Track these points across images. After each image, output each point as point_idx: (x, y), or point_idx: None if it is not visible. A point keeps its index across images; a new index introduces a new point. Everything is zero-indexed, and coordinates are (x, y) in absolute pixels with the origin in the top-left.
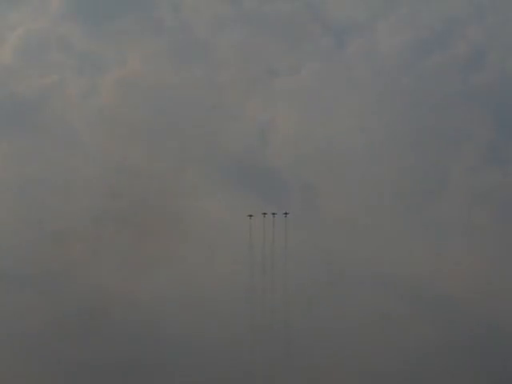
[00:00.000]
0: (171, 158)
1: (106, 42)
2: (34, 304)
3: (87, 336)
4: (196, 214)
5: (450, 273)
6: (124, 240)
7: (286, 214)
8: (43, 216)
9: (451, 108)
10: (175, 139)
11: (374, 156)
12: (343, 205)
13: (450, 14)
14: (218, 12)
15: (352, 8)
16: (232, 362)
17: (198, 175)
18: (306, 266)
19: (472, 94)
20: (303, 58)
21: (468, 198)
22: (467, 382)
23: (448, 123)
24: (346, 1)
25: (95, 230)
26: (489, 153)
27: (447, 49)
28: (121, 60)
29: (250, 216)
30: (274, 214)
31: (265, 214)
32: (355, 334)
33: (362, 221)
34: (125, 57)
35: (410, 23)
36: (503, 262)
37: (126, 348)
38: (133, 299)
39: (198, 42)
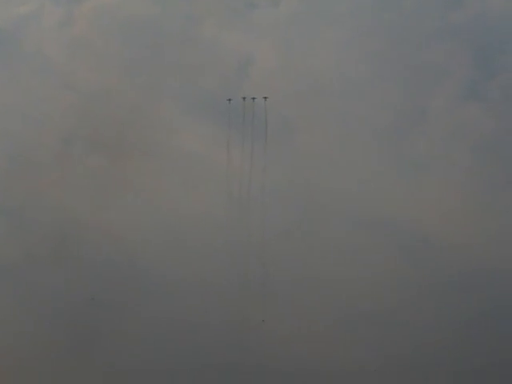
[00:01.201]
0: (146, 90)
1: None
2: (3, 232)
3: (60, 265)
4: (171, 144)
5: (428, 210)
6: (98, 166)
7: (265, 98)
8: (16, 145)
9: (431, 44)
10: (151, 71)
11: (353, 91)
12: (321, 140)
13: None
14: None
15: None
16: (211, 295)
17: (173, 107)
18: (283, 200)
19: (452, 31)
20: None
21: (448, 135)
22: (449, 324)
23: (427, 59)
24: None
25: (68, 159)
26: (468, 90)
27: None
28: None
29: (229, 100)
30: (253, 98)
31: (244, 98)
32: (331, 271)
33: (340, 157)
34: None
35: None
36: (483, 200)
37: (100, 278)
38: (106, 226)
39: None
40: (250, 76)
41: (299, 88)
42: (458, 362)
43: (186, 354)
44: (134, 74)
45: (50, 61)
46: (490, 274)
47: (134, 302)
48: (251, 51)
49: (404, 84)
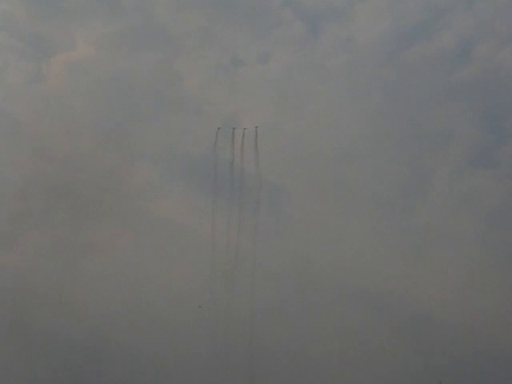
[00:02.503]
0: (121, 154)
1: (54, 22)
2: None
3: (17, 341)
4: (148, 211)
5: (431, 286)
6: (67, 234)
7: (256, 127)
8: None
9: (435, 105)
10: (127, 133)
11: (350, 156)
12: (315, 209)
13: (435, 0)
14: None
15: None
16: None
17: (151, 174)
18: (274, 272)
19: (458, 90)
20: (272, 46)
21: (453, 203)
22: None
23: (432, 121)
24: None
25: (36, 224)
26: (476, 154)
27: (431, 39)
28: (70, 43)
29: (219, 128)
30: (244, 129)
31: (234, 128)
32: (323, 349)
33: (336, 227)
34: (74, 40)
35: (391, 10)
36: (492, 275)
37: (56, 356)
38: (65, 296)
39: (156, 26)
40: (236, 137)
41: (291, 150)
42: None
43: None
44: (110, 135)
45: (17, 122)
46: (494, 357)
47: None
48: (237, 111)
49: (406, 147)
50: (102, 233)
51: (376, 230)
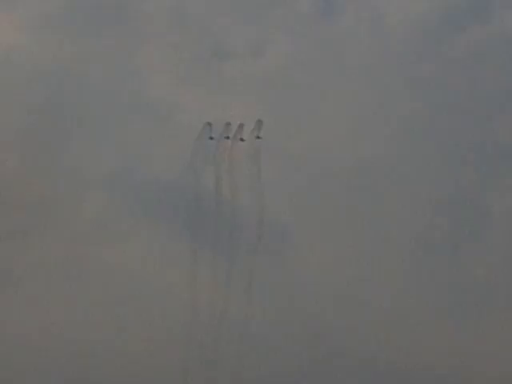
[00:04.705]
0: (57, 177)
1: None
2: None
3: None
4: (93, 260)
5: (489, 365)
6: None
7: (258, 137)
8: None
9: (496, 111)
10: (66, 149)
11: (376, 183)
12: (329, 259)
13: None
14: None
15: None
16: None
17: (100, 206)
18: (275, 346)
19: None
20: (270, 34)
21: None
22: None
23: (492, 132)
24: None
25: None
26: None
27: (486, 23)
28: None
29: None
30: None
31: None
32: None
33: (363, 282)
34: None
35: None
36: None
37: None
38: None
39: (116, 5)
40: (221, 155)
41: (297, 172)
42: None
43: None
44: (41, 150)
45: None
46: None
47: None
48: (222, 120)
49: (457, 167)
50: (29, 288)
51: (409, 287)
